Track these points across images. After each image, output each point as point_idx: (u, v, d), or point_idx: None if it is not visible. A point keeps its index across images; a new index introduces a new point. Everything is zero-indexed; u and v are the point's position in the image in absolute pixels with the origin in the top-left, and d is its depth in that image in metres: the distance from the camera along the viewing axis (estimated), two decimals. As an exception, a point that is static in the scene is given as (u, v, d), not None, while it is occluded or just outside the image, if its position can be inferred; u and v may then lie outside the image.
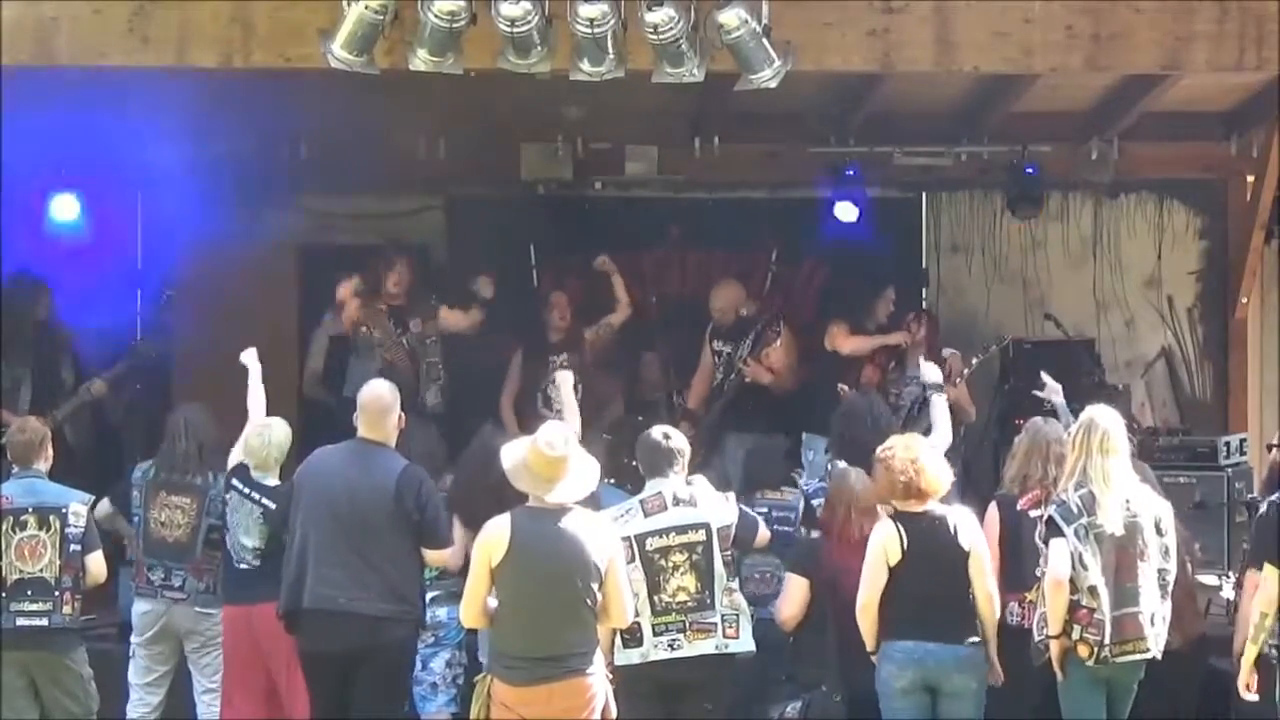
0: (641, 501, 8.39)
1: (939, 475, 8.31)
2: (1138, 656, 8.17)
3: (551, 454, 7.68)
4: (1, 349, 11.64)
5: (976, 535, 8.31)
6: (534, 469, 7.70)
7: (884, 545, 8.20)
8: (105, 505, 9.50)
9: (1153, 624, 8.17)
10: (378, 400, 8.63)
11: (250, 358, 9.79)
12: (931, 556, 8.18)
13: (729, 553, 8.40)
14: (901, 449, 8.31)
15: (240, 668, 9.16)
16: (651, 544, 8.31)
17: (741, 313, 12.28)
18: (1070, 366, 13.00)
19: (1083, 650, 8.08)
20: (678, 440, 8.49)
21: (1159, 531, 8.25)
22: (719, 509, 8.43)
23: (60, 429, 11.17)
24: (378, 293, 11.87)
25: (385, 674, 8.42)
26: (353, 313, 11.80)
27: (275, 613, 8.61)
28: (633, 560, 8.24)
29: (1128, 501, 8.19)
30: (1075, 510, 8.10)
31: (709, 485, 8.60)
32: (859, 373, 11.96)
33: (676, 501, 8.37)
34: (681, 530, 8.33)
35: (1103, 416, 8.28)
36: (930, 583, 8.17)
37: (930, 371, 10.19)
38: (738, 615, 8.38)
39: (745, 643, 8.40)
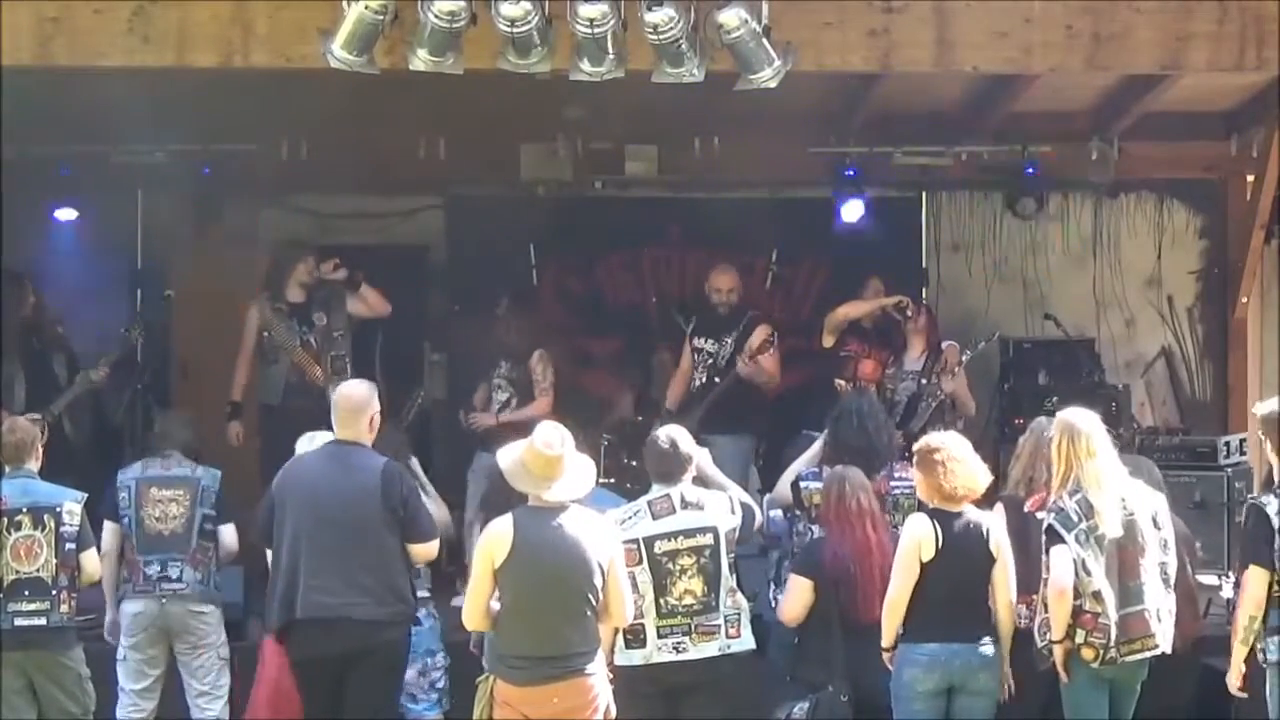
0: (649, 503, 8.38)
1: (977, 481, 8.29)
2: (1146, 654, 8.16)
3: (549, 453, 7.69)
4: (-3, 347, 11.65)
5: (1005, 541, 8.28)
6: (531, 468, 7.71)
7: (919, 541, 8.16)
8: (109, 531, 9.46)
9: (1159, 619, 8.16)
10: (348, 400, 8.56)
11: None
12: (962, 557, 8.16)
13: (733, 554, 8.41)
14: (955, 450, 8.27)
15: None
16: (660, 547, 8.29)
17: (726, 308, 12.07)
18: (1070, 366, 13.05)
19: (1088, 654, 8.06)
20: (686, 444, 8.49)
21: (1156, 525, 8.24)
22: (725, 511, 8.43)
23: (59, 423, 11.17)
24: (280, 294, 11.66)
25: (380, 676, 8.39)
26: (254, 319, 11.60)
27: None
28: (640, 562, 8.24)
29: (1123, 500, 8.17)
30: (1074, 516, 8.07)
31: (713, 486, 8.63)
32: (856, 368, 11.95)
33: (685, 505, 8.35)
34: (690, 534, 8.31)
35: (1081, 420, 8.25)
36: (957, 583, 8.15)
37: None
38: (739, 614, 8.38)
39: (746, 640, 8.39)
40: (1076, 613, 8.05)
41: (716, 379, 11.89)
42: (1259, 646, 8.00)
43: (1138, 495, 8.25)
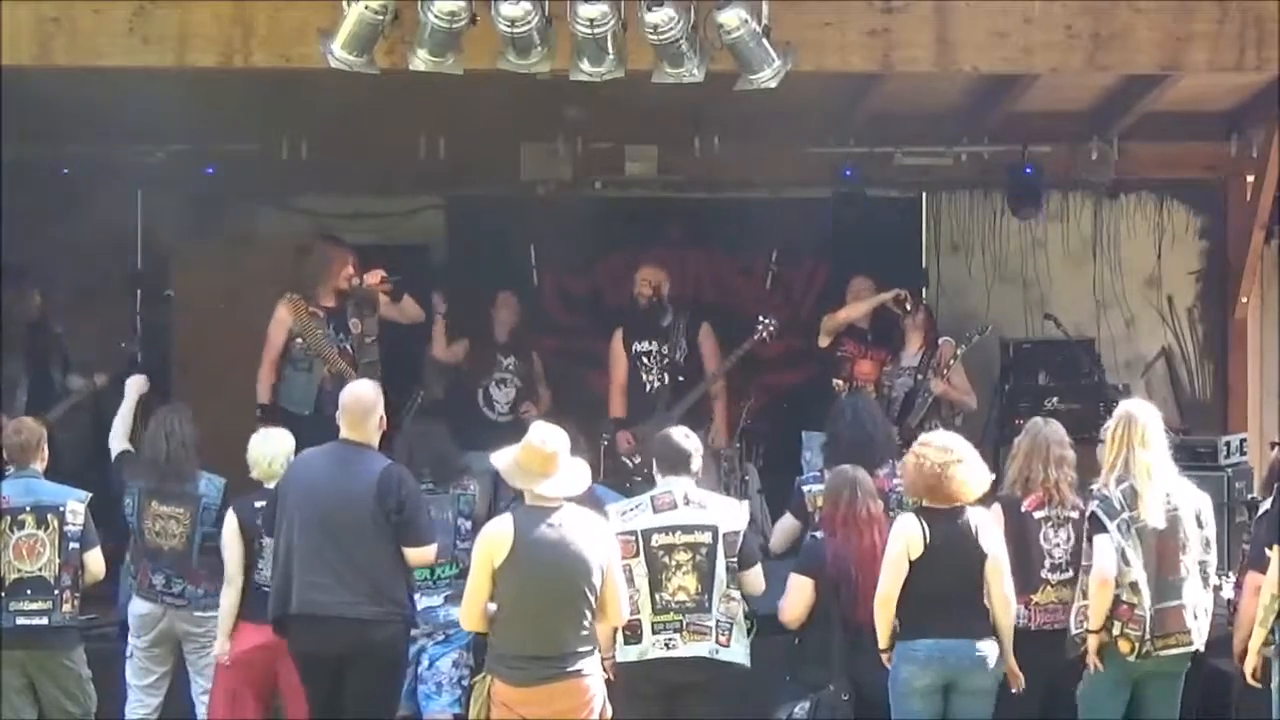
0: (652, 498, 8.42)
1: (973, 482, 8.25)
2: (1180, 650, 8.18)
3: (545, 449, 7.71)
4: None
5: (996, 538, 8.29)
6: (525, 465, 7.72)
7: (906, 539, 8.16)
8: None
9: (1195, 616, 8.18)
10: (359, 401, 8.58)
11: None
12: (952, 554, 8.16)
13: (733, 559, 8.40)
14: (941, 447, 8.25)
15: (255, 681, 9.08)
16: (656, 540, 8.32)
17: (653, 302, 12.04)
18: (1070, 366, 13.05)
19: (1124, 646, 8.08)
20: (694, 441, 8.53)
21: (1199, 524, 8.26)
22: (729, 514, 8.44)
23: (51, 433, 11.11)
24: (313, 297, 11.17)
25: (375, 675, 8.41)
26: (285, 319, 11.05)
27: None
28: (637, 555, 8.27)
29: (1168, 495, 8.18)
30: (1118, 505, 8.09)
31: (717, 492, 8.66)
32: (853, 368, 11.94)
33: (687, 501, 8.39)
34: (688, 530, 8.33)
35: (1140, 410, 8.30)
36: (948, 581, 8.15)
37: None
38: (731, 624, 8.37)
39: (734, 653, 8.37)
40: (1114, 603, 8.06)
41: (681, 378, 11.87)
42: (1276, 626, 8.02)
43: (1184, 491, 8.28)
